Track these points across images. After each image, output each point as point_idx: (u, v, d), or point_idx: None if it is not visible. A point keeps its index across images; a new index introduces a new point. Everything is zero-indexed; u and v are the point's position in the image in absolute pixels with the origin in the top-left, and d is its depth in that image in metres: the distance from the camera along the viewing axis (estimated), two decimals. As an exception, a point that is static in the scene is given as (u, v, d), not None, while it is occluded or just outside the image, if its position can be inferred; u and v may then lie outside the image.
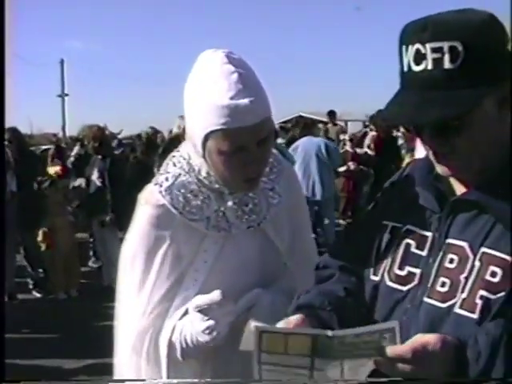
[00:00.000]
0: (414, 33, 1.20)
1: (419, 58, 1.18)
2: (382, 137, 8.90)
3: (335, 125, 12.18)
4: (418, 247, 1.32)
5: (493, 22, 1.19)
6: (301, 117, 19.02)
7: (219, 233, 1.62)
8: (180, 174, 1.64)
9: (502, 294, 1.15)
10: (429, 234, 1.30)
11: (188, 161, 1.65)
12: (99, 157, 6.80)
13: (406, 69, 1.21)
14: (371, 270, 1.40)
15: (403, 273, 1.32)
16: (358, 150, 9.54)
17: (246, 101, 1.45)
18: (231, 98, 1.45)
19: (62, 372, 4.52)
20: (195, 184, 1.63)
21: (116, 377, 1.74)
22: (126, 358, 1.67)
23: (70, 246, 6.81)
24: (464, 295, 1.20)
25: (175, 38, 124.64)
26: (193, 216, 1.61)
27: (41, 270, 7.05)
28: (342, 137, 11.42)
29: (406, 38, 1.21)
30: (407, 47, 1.20)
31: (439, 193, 1.31)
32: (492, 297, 1.16)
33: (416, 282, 1.29)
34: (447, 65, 1.16)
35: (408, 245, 1.34)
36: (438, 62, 1.16)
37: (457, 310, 1.20)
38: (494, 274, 1.17)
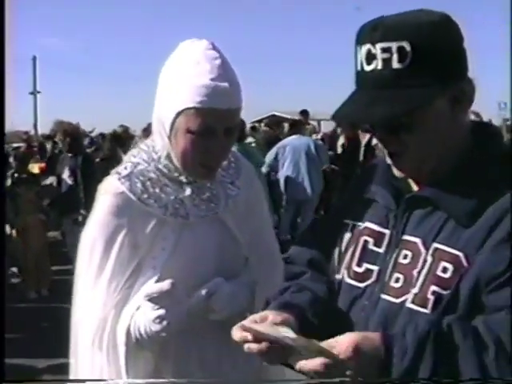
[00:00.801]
0: (365, 33, 1.22)
1: (370, 57, 1.21)
2: (350, 137, 8.96)
3: (308, 124, 12.23)
4: (375, 244, 1.34)
5: (444, 22, 1.22)
6: (274, 116, 19.08)
7: (176, 219, 1.64)
8: (139, 163, 1.66)
9: (453, 290, 1.17)
10: (386, 231, 1.32)
11: (147, 151, 1.68)
12: (69, 155, 6.73)
13: (359, 68, 1.24)
14: (335, 268, 1.42)
15: (361, 270, 1.34)
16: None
17: (225, 84, 1.50)
18: (212, 80, 1.50)
19: (35, 371, 4.50)
20: (153, 173, 1.65)
21: (73, 377, 1.71)
22: (85, 352, 1.66)
23: (42, 244, 6.75)
24: (416, 290, 1.21)
25: (149, 36, 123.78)
26: (151, 202, 1.62)
27: (14, 270, 6.98)
28: (314, 136, 11.47)
29: (359, 38, 1.24)
30: (360, 47, 1.23)
31: (396, 190, 1.33)
32: (443, 292, 1.18)
33: (374, 278, 1.31)
34: (396, 65, 1.18)
35: (366, 242, 1.36)
36: (387, 62, 1.19)
37: (409, 304, 1.21)
38: (445, 270, 1.19)
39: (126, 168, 1.66)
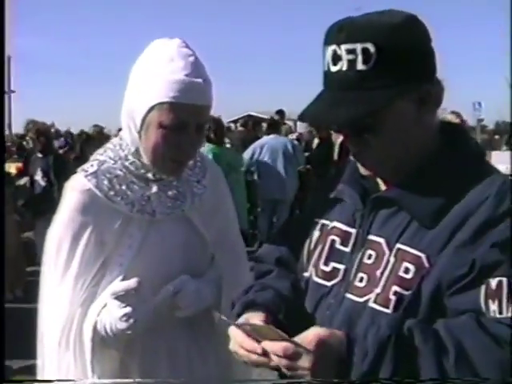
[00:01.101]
0: (331, 34, 1.24)
1: (336, 58, 1.22)
2: (324, 137, 9.01)
3: (284, 124, 12.23)
4: (342, 243, 1.35)
5: (410, 23, 1.23)
6: (250, 116, 19.04)
7: (143, 216, 1.66)
8: (106, 161, 1.69)
9: (414, 290, 1.18)
10: (353, 230, 1.33)
11: (114, 149, 1.71)
12: (39, 155, 6.69)
13: (325, 69, 1.25)
14: (304, 266, 1.43)
15: (328, 268, 1.35)
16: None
17: (199, 80, 1.55)
18: (186, 76, 1.54)
19: (11, 372, 4.48)
20: (120, 170, 1.68)
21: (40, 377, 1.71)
22: (52, 352, 1.67)
23: (17, 245, 6.70)
24: (378, 290, 1.22)
25: (129, 36, 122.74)
26: (117, 200, 1.65)
27: (-12, 271, 6.92)
28: (290, 136, 11.48)
29: (326, 38, 1.25)
30: (327, 48, 1.24)
31: (364, 190, 1.35)
32: (405, 293, 1.19)
33: (340, 277, 1.32)
34: (360, 66, 1.19)
35: (333, 241, 1.37)
36: (351, 63, 1.20)
37: (371, 304, 1.22)
38: (407, 271, 1.20)
39: (92, 165, 1.68)
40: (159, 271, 1.67)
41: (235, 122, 14.42)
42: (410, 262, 1.20)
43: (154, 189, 1.69)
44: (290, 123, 14.67)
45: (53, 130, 13.70)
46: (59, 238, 1.65)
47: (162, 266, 1.68)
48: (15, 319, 5.73)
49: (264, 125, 9.66)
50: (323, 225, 1.42)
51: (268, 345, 1.15)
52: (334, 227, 1.39)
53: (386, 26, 1.20)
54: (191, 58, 1.57)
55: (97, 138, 8.29)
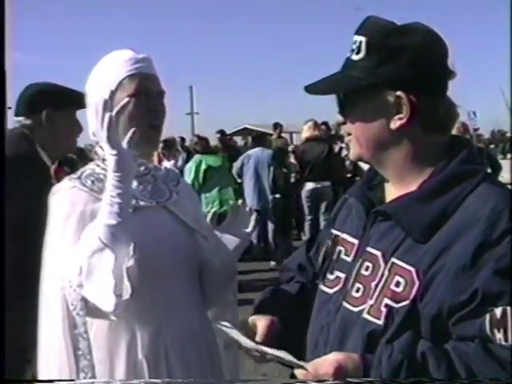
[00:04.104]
0: None
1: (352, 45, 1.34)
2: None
3: (280, 137, 12.27)
4: (345, 253, 1.40)
5: (414, 35, 1.28)
6: (246, 129, 19.09)
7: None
8: (87, 170, 1.82)
9: (404, 303, 1.22)
10: (356, 241, 1.38)
11: (93, 163, 1.84)
12: None
13: None
14: (317, 274, 1.50)
15: (332, 277, 1.41)
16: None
17: (144, 54, 1.78)
18: (134, 52, 1.78)
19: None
20: (100, 173, 1.79)
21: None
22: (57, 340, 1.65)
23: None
24: (372, 302, 1.26)
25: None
26: (101, 192, 1.68)
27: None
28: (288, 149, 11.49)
29: None
30: None
31: (369, 203, 1.39)
32: (395, 305, 1.23)
33: (340, 285, 1.37)
34: (354, 55, 1.32)
35: (340, 251, 1.42)
36: (352, 52, 1.33)
37: (365, 315, 1.27)
38: (397, 284, 1.23)
39: (75, 173, 1.81)
40: (147, 255, 1.66)
41: (232, 134, 14.46)
42: (400, 276, 1.24)
43: (135, 183, 1.76)
44: (287, 136, 14.72)
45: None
46: (60, 235, 1.68)
47: (149, 250, 1.70)
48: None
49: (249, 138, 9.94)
50: (336, 236, 1.48)
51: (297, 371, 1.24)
52: (342, 238, 1.44)
53: (383, 28, 1.30)
54: (133, 51, 1.78)
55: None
